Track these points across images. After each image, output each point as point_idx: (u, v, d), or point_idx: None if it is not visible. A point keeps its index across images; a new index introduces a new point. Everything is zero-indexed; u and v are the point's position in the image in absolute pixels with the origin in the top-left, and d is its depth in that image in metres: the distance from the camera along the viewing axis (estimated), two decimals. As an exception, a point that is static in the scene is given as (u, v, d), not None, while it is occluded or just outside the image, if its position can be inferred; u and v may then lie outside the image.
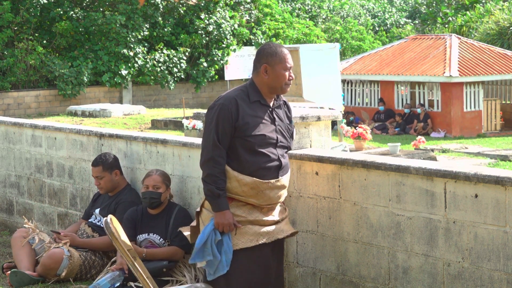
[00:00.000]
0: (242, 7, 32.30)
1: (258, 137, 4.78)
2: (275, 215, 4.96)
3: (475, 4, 40.04)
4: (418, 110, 23.77)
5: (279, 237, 4.98)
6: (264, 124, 4.82)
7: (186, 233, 5.25)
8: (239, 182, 4.78)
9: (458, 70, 23.35)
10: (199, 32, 29.40)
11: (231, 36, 30.17)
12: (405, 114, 24.17)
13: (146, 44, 28.73)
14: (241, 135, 4.76)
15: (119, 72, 27.39)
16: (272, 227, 4.95)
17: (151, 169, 6.46)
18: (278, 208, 4.99)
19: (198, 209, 5.03)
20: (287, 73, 4.88)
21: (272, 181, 4.84)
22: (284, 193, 5.01)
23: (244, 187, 4.79)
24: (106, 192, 6.79)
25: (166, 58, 28.56)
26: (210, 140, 4.77)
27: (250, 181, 4.78)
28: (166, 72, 28.47)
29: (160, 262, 5.97)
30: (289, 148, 5.03)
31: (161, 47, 28.84)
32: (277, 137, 4.85)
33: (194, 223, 5.13)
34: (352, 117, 24.50)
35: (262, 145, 4.78)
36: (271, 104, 4.91)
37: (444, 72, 23.26)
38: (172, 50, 28.90)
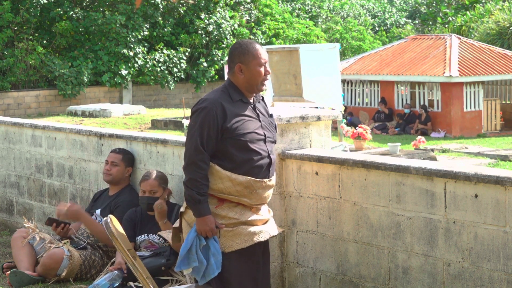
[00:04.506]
0: (242, 7, 32.32)
1: (249, 135, 4.74)
2: (263, 214, 4.94)
3: (475, 4, 40.04)
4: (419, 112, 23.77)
5: (272, 234, 4.96)
6: (251, 122, 4.78)
7: (165, 235, 5.14)
8: (232, 181, 4.73)
9: (458, 70, 23.34)
10: (199, 32, 29.42)
11: (231, 36, 30.19)
12: (405, 114, 24.16)
13: (146, 44, 28.74)
14: (231, 136, 4.70)
15: (119, 72, 27.40)
16: (264, 226, 4.92)
17: (147, 170, 6.45)
18: (265, 207, 4.98)
19: (182, 210, 4.93)
20: (262, 69, 4.79)
21: (265, 180, 4.82)
22: (271, 193, 4.99)
23: (238, 187, 4.74)
24: (110, 182, 6.77)
25: (166, 58, 28.56)
26: (193, 144, 4.68)
27: (244, 180, 4.74)
28: (166, 72, 28.48)
29: (158, 260, 5.97)
30: (275, 141, 5.00)
31: (161, 47, 28.85)
32: (264, 133, 4.83)
33: (176, 224, 5.05)
34: (349, 117, 24.43)
35: (253, 142, 4.76)
36: (252, 101, 4.88)
37: (444, 72, 23.25)
38: (172, 50, 28.91)
